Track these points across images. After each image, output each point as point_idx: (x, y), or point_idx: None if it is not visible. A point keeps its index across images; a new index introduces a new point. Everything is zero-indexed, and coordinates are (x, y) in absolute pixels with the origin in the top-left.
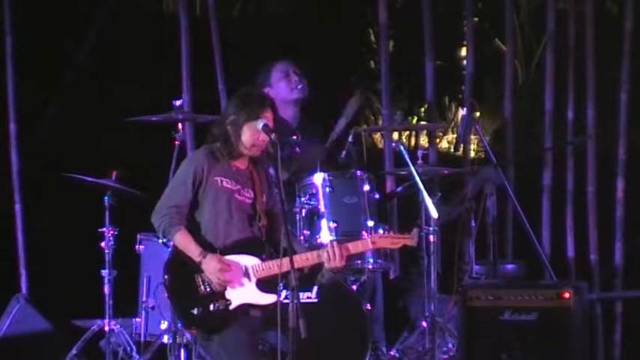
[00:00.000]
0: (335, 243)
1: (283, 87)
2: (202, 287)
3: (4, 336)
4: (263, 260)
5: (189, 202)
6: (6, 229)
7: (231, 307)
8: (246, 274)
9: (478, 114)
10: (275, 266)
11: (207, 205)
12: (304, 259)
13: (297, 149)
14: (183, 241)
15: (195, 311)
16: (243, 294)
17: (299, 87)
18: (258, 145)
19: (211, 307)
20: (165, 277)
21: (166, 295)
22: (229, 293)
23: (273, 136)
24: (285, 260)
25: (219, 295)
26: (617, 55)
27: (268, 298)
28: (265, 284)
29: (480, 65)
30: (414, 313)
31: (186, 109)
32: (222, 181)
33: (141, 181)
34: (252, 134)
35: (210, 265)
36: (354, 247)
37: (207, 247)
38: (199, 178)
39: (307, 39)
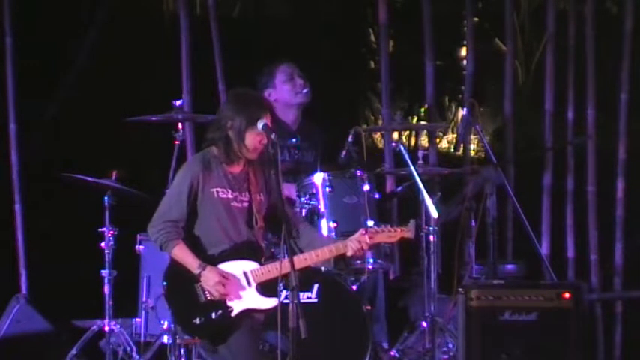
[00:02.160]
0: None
1: (287, 90)
2: (202, 295)
3: (4, 336)
4: (261, 264)
5: (185, 216)
6: (6, 229)
7: (233, 313)
8: (246, 279)
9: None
10: (274, 269)
11: (205, 217)
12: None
13: (296, 152)
14: (182, 254)
15: (197, 320)
16: (245, 300)
17: (303, 91)
18: (259, 149)
19: (213, 315)
20: (165, 283)
21: (167, 305)
22: (230, 300)
23: (273, 136)
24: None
25: (220, 303)
26: (617, 55)
27: (270, 302)
28: (266, 288)
29: (480, 65)
30: (414, 313)
31: (186, 109)
32: (217, 192)
33: (141, 181)
34: (254, 138)
35: (209, 278)
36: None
37: (205, 257)
38: (194, 193)
39: (307, 39)
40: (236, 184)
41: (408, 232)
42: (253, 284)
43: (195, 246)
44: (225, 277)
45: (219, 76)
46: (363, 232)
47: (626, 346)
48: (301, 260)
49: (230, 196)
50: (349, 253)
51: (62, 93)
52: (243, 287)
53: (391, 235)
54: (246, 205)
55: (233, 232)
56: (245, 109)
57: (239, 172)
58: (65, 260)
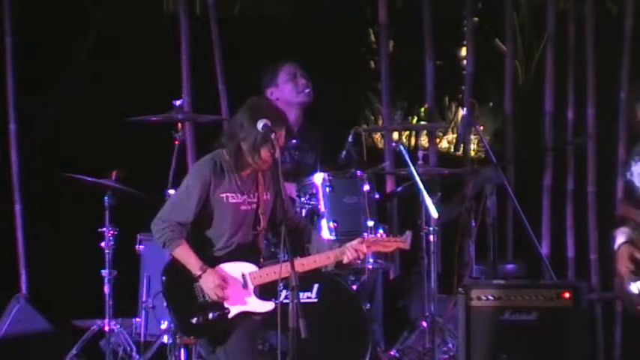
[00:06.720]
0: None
1: (289, 89)
2: (201, 296)
3: (4, 336)
4: (260, 267)
5: (191, 220)
6: (6, 229)
7: (230, 315)
8: (244, 282)
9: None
10: (272, 272)
11: (212, 220)
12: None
13: (297, 153)
14: (185, 254)
15: (194, 320)
16: (242, 302)
17: (305, 90)
18: (269, 161)
19: (210, 315)
20: (163, 278)
21: (164, 301)
22: (228, 302)
23: (273, 136)
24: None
25: (217, 304)
26: (617, 55)
27: (266, 306)
28: (263, 291)
29: (480, 65)
30: (414, 313)
31: (186, 109)
32: (227, 197)
33: (141, 181)
34: (265, 152)
35: (209, 281)
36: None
37: (206, 257)
38: (204, 197)
39: (307, 39)
40: (245, 187)
41: (403, 242)
42: (251, 287)
43: (198, 245)
44: (225, 280)
45: (219, 76)
46: (361, 240)
47: (626, 346)
48: (299, 266)
49: (240, 200)
50: (345, 261)
51: (62, 93)
52: (242, 290)
53: (387, 245)
54: (254, 206)
55: (238, 235)
56: (259, 122)
57: (248, 174)
58: (65, 260)
